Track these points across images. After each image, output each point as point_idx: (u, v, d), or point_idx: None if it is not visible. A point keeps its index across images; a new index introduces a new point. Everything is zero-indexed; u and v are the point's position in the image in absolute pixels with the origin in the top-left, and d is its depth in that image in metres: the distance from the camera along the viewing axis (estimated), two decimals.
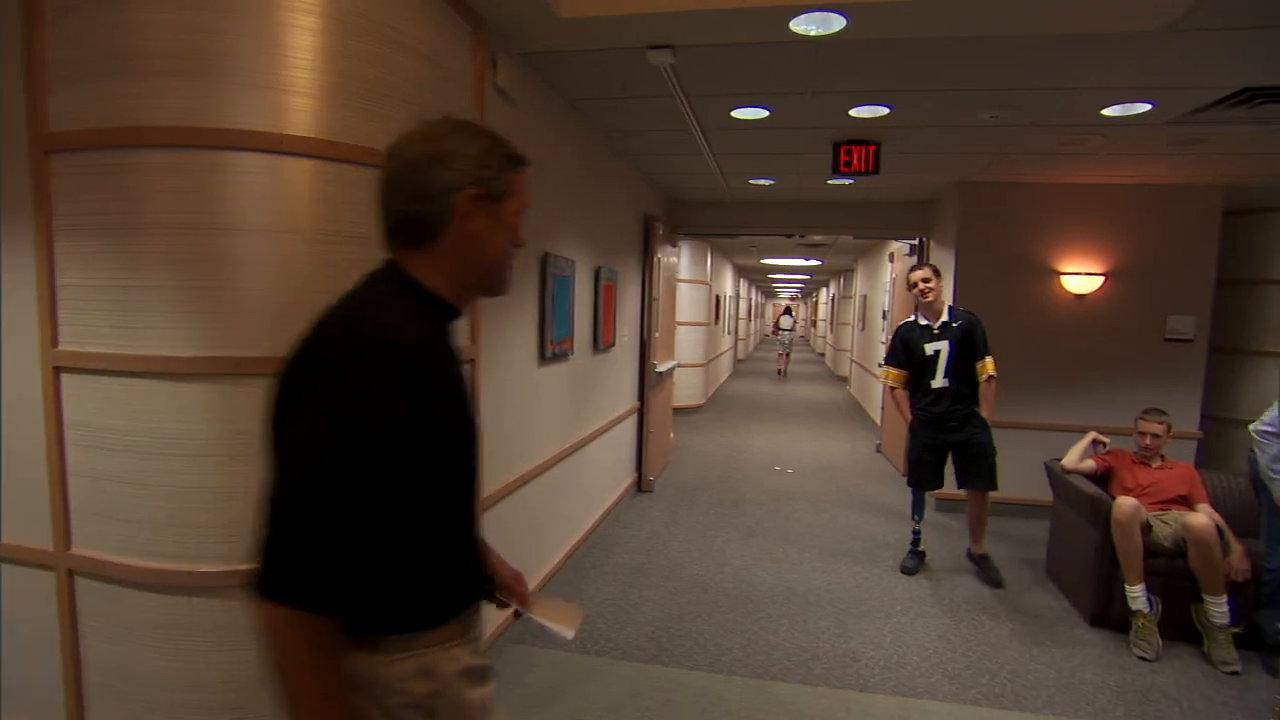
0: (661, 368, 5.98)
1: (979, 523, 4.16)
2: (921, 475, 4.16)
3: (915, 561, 4.22)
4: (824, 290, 21.95)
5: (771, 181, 5.52)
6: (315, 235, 1.92)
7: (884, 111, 3.58)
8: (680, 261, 9.63)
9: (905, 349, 4.09)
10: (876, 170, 4.15)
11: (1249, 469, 3.27)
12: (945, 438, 4.02)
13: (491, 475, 2.89)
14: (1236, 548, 3.23)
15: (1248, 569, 3.20)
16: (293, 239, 1.89)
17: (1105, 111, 3.46)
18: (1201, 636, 3.26)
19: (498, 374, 2.96)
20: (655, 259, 5.71)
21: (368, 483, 0.94)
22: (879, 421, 8.31)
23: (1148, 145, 4.06)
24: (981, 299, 5.19)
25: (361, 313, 1.02)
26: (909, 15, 2.43)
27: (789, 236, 6.85)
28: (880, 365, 4.16)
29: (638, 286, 5.60)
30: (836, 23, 2.49)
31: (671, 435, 7.59)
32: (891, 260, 7.52)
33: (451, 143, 1.06)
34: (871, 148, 4.12)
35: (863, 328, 11.34)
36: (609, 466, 4.96)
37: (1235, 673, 3.08)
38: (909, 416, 4.16)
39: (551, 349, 3.56)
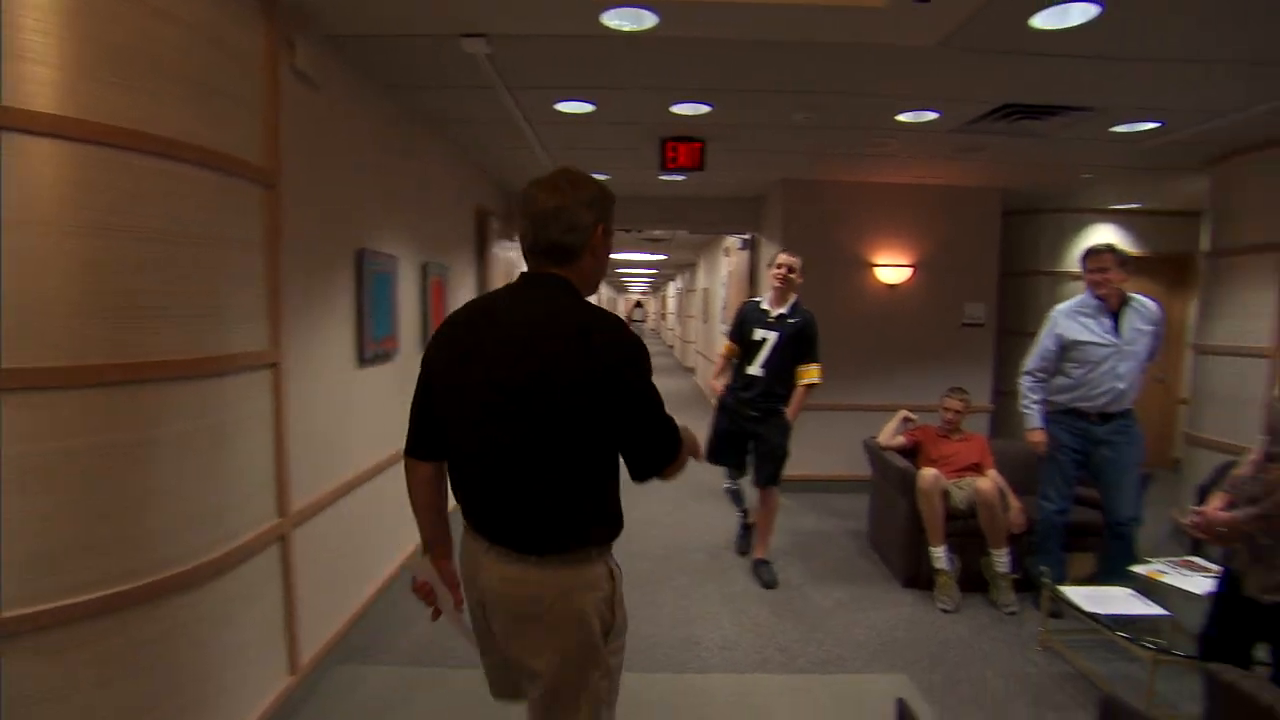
0: None
1: (766, 529, 4.07)
2: (719, 450, 4.07)
3: (747, 540, 4.35)
4: (671, 284, 22.55)
5: (605, 176, 5.55)
6: (67, 228, 1.68)
7: (705, 109, 3.70)
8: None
9: (740, 325, 3.98)
10: (702, 167, 4.28)
11: None
12: (743, 426, 3.93)
13: (303, 486, 2.68)
14: (1014, 504, 3.66)
15: (1023, 522, 3.65)
16: (33, 231, 1.63)
17: (899, 117, 3.77)
18: (989, 585, 3.67)
19: (309, 376, 2.74)
20: (491, 254, 5.57)
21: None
22: None
23: (939, 150, 4.49)
24: (806, 292, 5.52)
25: (597, 311, 1.43)
26: (718, 15, 2.51)
27: (627, 231, 6.94)
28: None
29: (473, 282, 5.43)
30: (649, 19, 2.52)
31: None
32: (727, 254, 7.83)
33: (590, 189, 1.46)
34: (697, 145, 4.24)
35: (705, 320, 11.74)
36: None
37: (1014, 613, 3.54)
38: (719, 388, 4.08)
39: (372, 349, 3.36)
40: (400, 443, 1.69)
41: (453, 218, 4.88)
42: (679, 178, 5.52)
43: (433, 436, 1.57)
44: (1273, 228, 4.09)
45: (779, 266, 3.86)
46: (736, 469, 4.23)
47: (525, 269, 1.52)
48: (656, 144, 4.27)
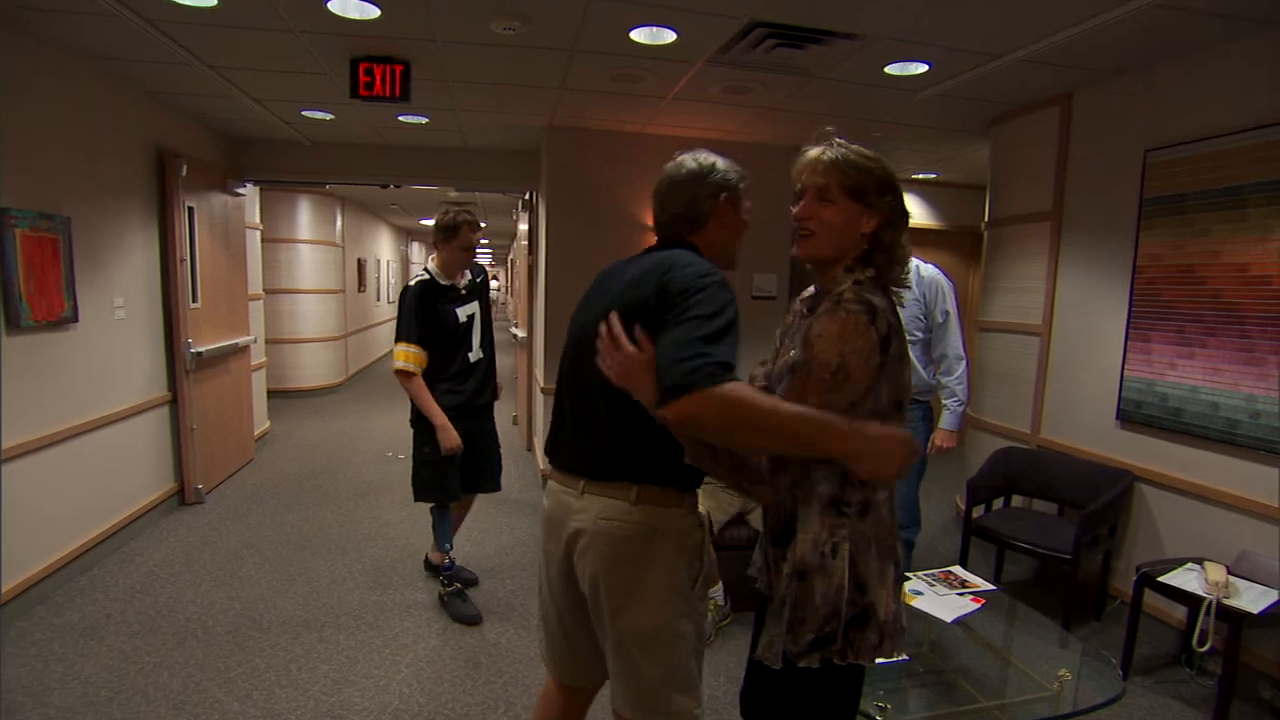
0: (209, 347, 4.69)
1: (455, 529, 3.35)
2: (448, 483, 3.11)
3: (469, 607, 3.19)
4: (509, 254, 21.36)
5: (328, 115, 4.51)
6: None
7: (375, 11, 2.79)
8: (299, 219, 8.20)
9: (427, 317, 3.01)
10: (406, 96, 3.38)
11: None
12: (472, 426, 3.13)
13: None
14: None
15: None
16: None
17: (634, 36, 3.05)
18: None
19: None
20: (181, 208, 4.39)
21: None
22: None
23: (703, 92, 3.84)
24: (574, 256, 4.80)
25: (698, 261, 1.43)
26: None
27: (384, 187, 5.91)
28: (396, 345, 3.02)
29: (150, 242, 4.24)
30: None
31: (267, 426, 6.31)
32: (515, 219, 6.97)
33: (711, 162, 1.56)
34: (398, 67, 3.33)
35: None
36: (90, 485, 3.64)
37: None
38: (440, 415, 2.98)
39: None
40: None
41: (99, 157, 3.68)
42: (421, 120, 4.58)
43: None
44: (1043, 194, 3.77)
45: (469, 229, 3.07)
46: (456, 495, 3.22)
47: None
48: (344, 65, 3.32)
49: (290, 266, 8.12)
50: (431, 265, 3.12)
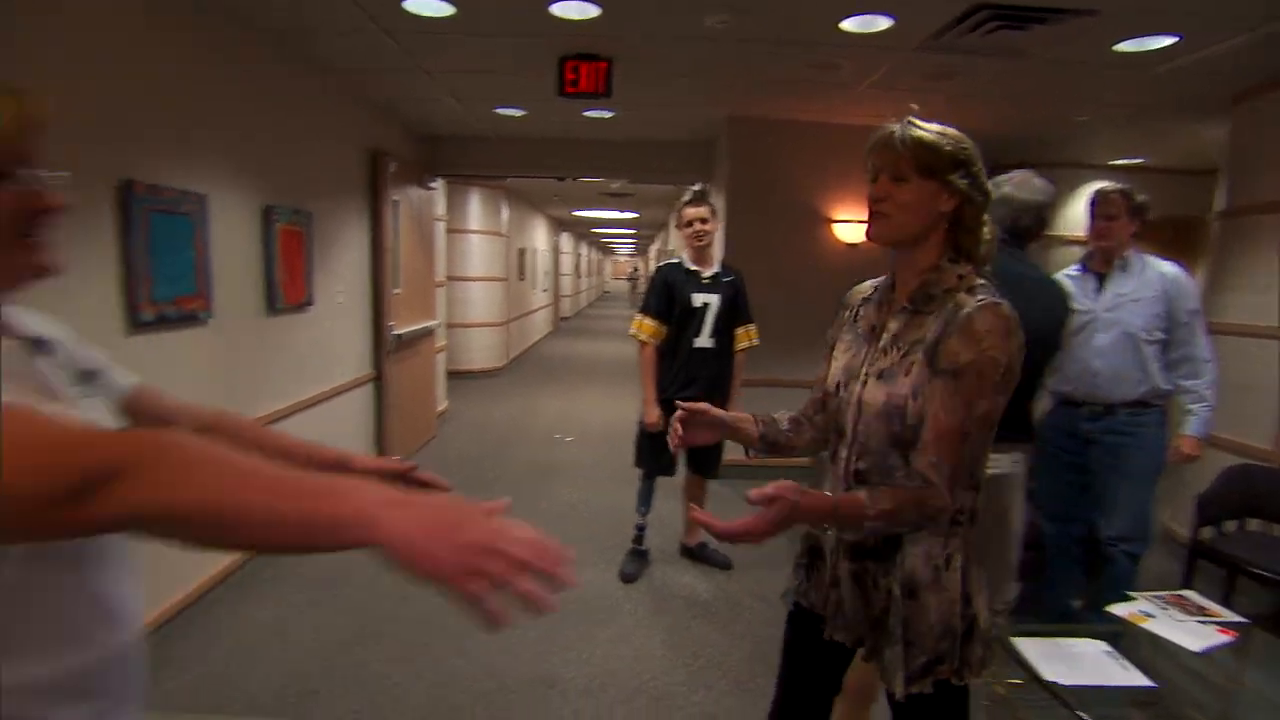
0: (406, 330, 5.11)
1: (693, 512, 3.47)
2: (658, 457, 3.34)
3: (636, 565, 3.52)
4: (653, 245, 21.66)
5: (521, 112, 4.74)
6: None
7: (594, 11, 2.90)
8: (470, 211, 8.70)
9: (668, 294, 3.26)
10: (609, 92, 3.49)
11: None
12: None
13: None
14: None
15: None
16: None
17: (844, 25, 2.98)
18: None
19: None
20: (388, 203, 4.79)
21: None
22: None
23: (903, 79, 3.70)
24: (751, 249, 4.78)
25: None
26: None
27: (561, 180, 6.14)
28: (636, 317, 3.34)
29: (363, 235, 4.66)
30: None
31: (446, 405, 6.78)
32: (676, 210, 7.04)
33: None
34: (603, 65, 3.44)
35: None
36: None
37: None
38: (653, 393, 3.25)
39: (153, 311, 2.63)
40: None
41: (327, 156, 4.10)
42: (607, 114, 4.71)
43: None
44: None
45: (691, 224, 3.26)
46: (670, 468, 3.44)
47: None
48: (552, 64, 3.47)
49: (463, 255, 8.65)
50: (683, 252, 3.38)
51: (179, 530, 0.62)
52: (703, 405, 1.48)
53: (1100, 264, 2.67)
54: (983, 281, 1.26)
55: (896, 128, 1.25)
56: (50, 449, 0.59)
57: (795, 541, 1.55)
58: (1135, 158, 5.65)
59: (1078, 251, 3.00)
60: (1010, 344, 1.17)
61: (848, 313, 1.50)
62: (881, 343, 1.33)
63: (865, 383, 1.32)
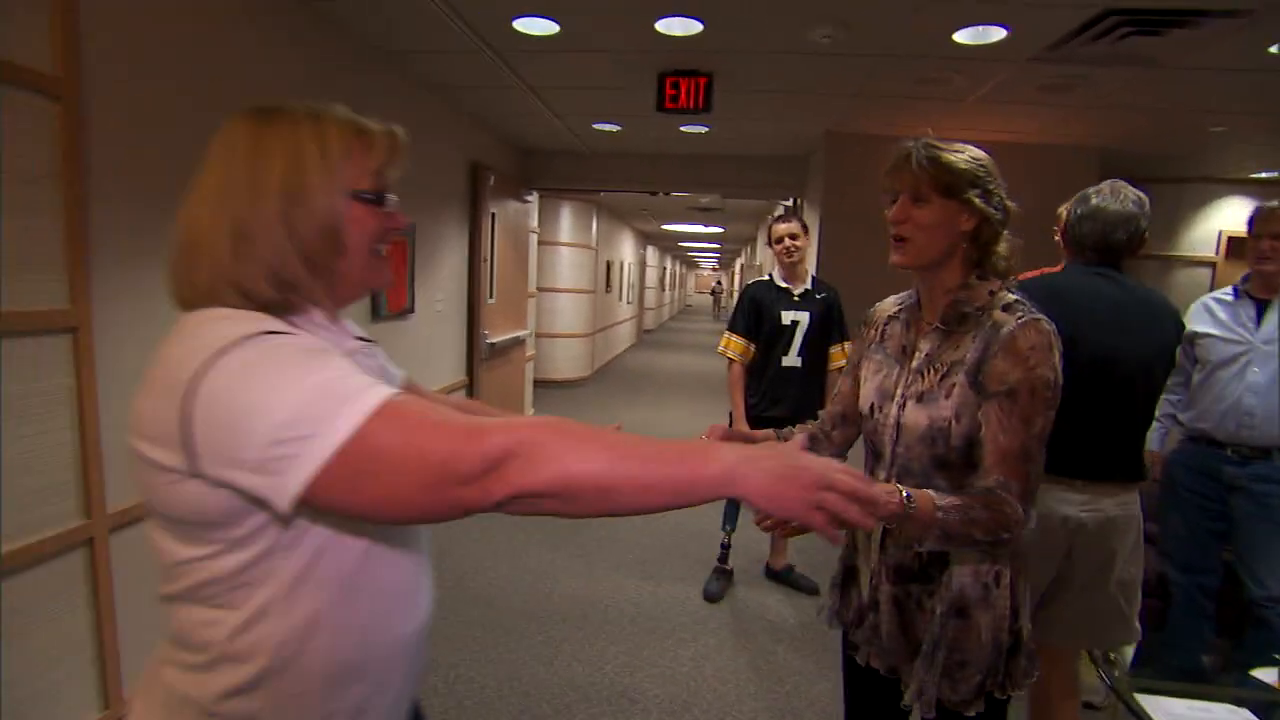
0: (499, 338, 5.24)
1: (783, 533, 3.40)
2: None
3: (720, 584, 3.48)
4: (737, 260, 21.51)
5: (617, 127, 4.79)
6: None
7: (698, 27, 2.90)
8: (561, 224, 8.88)
9: (756, 312, 3.25)
10: (708, 107, 3.48)
11: None
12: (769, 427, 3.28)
13: (126, 482, 2.14)
14: None
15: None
16: None
17: (957, 37, 2.87)
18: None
19: (138, 344, 2.17)
20: (486, 214, 4.94)
21: None
22: None
23: (1016, 92, 3.53)
24: (845, 268, 4.65)
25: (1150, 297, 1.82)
26: None
27: (653, 194, 6.18)
28: (725, 334, 3.34)
29: (462, 245, 4.82)
30: None
31: (532, 413, 6.90)
32: (766, 225, 6.96)
33: None
34: (702, 80, 3.44)
35: None
36: None
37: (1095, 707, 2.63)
38: (742, 411, 3.24)
39: None
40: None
41: (431, 169, 4.26)
42: (703, 129, 4.71)
43: None
44: None
45: (781, 240, 3.21)
46: None
47: None
48: (652, 80, 3.50)
49: (553, 267, 8.82)
50: (773, 269, 3.34)
51: (566, 503, 0.71)
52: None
53: (1260, 289, 2.41)
54: (1015, 297, 1.25)
55: (914, 148, 1.26)
56: (464, 436, 0.69)
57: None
58: (1275, 170, 5.19)
59: (1203, 274, 2.73)
60: (1055, 358, 1.18)
61: (873, 331, 1.48)
62: (915, 364, 1.32)
63: (904, 405, 1.31)
